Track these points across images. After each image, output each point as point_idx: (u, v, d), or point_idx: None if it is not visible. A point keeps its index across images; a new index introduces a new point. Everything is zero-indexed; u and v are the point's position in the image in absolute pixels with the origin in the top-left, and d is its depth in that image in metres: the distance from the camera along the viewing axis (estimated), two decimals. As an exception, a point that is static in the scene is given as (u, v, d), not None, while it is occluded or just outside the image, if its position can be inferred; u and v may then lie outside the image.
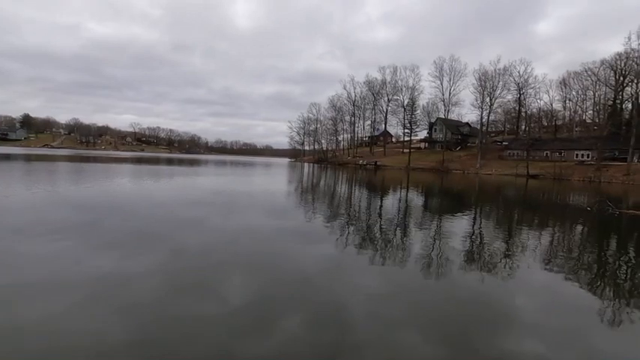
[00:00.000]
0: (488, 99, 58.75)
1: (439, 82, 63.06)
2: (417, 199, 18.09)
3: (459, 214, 12.58)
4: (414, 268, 5.79)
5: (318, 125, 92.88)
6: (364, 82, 76.91)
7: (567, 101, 62.21)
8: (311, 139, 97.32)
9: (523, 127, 63.93)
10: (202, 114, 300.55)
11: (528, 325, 3.98)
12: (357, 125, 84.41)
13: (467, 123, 70.30)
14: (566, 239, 9.21)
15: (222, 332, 3.42)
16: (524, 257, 6.79)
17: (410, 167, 57.00)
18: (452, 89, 62.84)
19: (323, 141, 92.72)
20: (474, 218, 11.86)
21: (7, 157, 38.55)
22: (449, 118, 66.35)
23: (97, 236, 6.82)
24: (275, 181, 26.41)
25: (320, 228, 8.88)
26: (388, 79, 71.98)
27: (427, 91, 73.44)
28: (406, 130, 71.17)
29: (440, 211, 13.73)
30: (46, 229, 7.02)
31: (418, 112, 69.24)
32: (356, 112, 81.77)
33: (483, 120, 61.22)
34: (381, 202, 15.53)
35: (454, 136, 67.14)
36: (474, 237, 8.71)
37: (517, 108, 61.89)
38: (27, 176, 19.44)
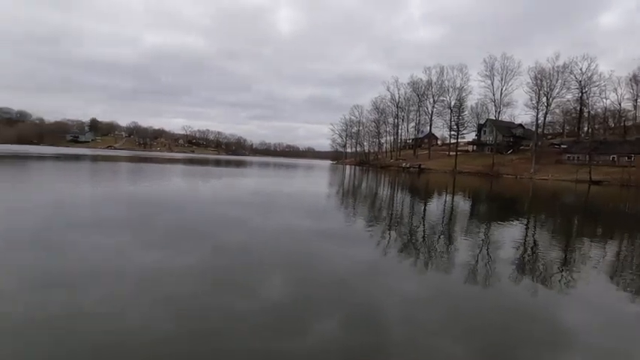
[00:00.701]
0: (544, 99, 54.46)
1: (489, 82, 59.61)
2: (463, 205, 17.29)
3: (509, 221, 11.81)
4: (457, 275, 5.52)
5: (361, 127, 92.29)
6: (408, 84, 75.08)
7: (639, 100, 55.95)
8: (353, 141, 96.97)
9: (585, 128, 58.54)
10: (247, 117, 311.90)
11: (580, 345, 3.62)
12: (400, 127, 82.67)
13: (520, 124, 65.82)
14: (637, 254, 8.27)
15: (257, 328, 3.50)
16: (584, 271, 6.20)
17: (456, 171, 54.59)
18: (504, 89, 59.18)
19: (365, 143, 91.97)
20: (527, 226, 11.07)
21: (77, 158, 42.80)
22: (500, 119, 62.60)
23: (149, 231, 7.35)
24: (316, 183, 26.65)
25: (359, 231, 8.80)
26: (434, 79, 69.59)
27: (476, 92, 69.92)
28: (453, 133, 68.28)
29: (488, 218, 13.00)
30: (106, 223, 7.70)
31: (466, 113, 66.13)
32: (399, 113, 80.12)
33: (539, 121, 56.86)
34: (424, 207, 15.05)
35: (505, 139, 63.14)
36: (526, 246, 8.12)
37: (578, 108, 56.78)
38: (93, 176, 21.46)
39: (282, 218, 9.91)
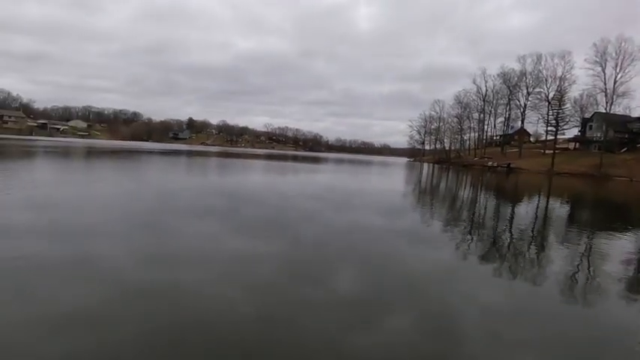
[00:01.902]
0: (677, 86, 44.75)
1: (599, 69, 50.67)
2: (560, 210, 15.28)
3: (619, 231, 10.10)
4: (549, 289, 4.95)
5: (441, 123, 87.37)
6: (498, 75, 68.36)
7: None
8: (432, 138, 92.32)
9: None
10: (323, 114, 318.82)
11: None
12: (486, 123, 76.02)
13: (638, 118, 55.28)
14: None
15: (327, 319, 3.62)
16: None
17: (553, 171, 48.20)
18: (618, 77, 49.69)
19: (446, 140, 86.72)
20: (645, 239, 9.34)
21: (176, 153, 48.73)
22: (612, 112, 53.26)
23: (233, 221, 8.07)
24: (391, 181, 26.11)
25: (437, 232, 8.43)
26: (529, 69, 62.21)
27: (581, 81, 59.72)
28: (550, 128, 60.16)
29: (592, 226, 11.29)
30: (199, 212, 8.70)
31: (567, 106, 57.90)
32: (486, 108, 73.61)
33: (668, 114, 46.97)
34: (513, 210, 13.70)
35: (618, 135, 53.53)
36: (641, 262, 6.88)
37: None
38: (188, 168, 24.25)
39: (356, 215, 9.98)
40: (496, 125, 75.81)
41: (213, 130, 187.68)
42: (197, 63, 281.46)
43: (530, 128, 73.37)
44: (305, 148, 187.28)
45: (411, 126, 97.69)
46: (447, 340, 3.39)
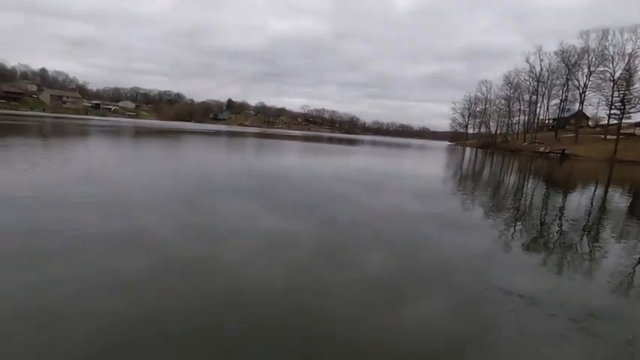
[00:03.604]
0: None
1: (680, 43, 44.89)
2: (621, 201, 13.83)
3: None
4: (601, 285, 4.44)
5: (488, 105, 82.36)
6: (556, 53, 62.53)
7: None
8: (477, 121, 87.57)
9: None
10: (359, 96, 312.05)
11: None
12: (538, 105, 70.41)
13: None
14: None
15: (356, 299, 3.56)
16: None
17: (615, 159, 43.92)
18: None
19: (492, 123, 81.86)
20: None
21: (216, 134, 50.24)
22: (692, 93, 46.98)
23: (268, 200, 8.11)
24: (430, 165, 25.14)
25: (477, 219, 7.92)
26: (592, 45, 56.32)
27: None
28: (614, 111, 54.33)
29: (659, 220, 10.07)
30: (238, 191, 8.87)
31: (636, 86, 51.84)
32: (540, 89, 67.99)
33: None
34: (565, 200, 12.61)
35: (698, 119, 47.41)
36: None
37: None
38: (229, 149, 24.88)
39: (392, 198, 9.67)
40: (549, 108, 70.07)
41: (251, 112, 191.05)
42: (234, 45, 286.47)
43: (589, 111, 67.16)
44: (341, 130, 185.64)
45: (454, 108, 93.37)
46: (475, 329, 3.19)
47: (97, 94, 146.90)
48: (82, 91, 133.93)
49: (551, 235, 7.06)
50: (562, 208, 10.48)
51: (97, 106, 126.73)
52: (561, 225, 8.07)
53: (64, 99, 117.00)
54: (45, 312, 2.92)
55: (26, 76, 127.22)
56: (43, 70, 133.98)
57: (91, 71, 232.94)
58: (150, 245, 4.60)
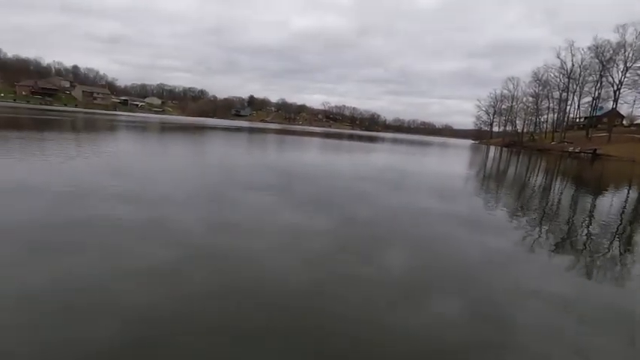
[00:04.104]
0: None
1: None
2: (656, 204, 13.13)
3: None
4: (632, 287, 4.27)
5: (514, 103, 79.66)
6: (589, 48, 59.66)
7: None
8: (502, 118, 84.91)
9: None
10: (380, 92, 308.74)
11: None
12: (569, 103, 67.46)
13: None
14: None
15: (374, 295, 3.60)
16: None
17: (650, 160, 41.54)
18: None
19: (518, 121, 79.15)
20: None
21: (238, 130, 51.01)
22: None
23: (288, 196, 8.21)
24: (452, 163, 24.65)
25: (501, 220, 7.74)
26: (629, 40, 53.34)
27: None
28: (652, 109, 51.52)
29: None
30: (259, 186, 9.01)
31: (678, 83, 48.77)
32: (571, 85, 65.08)
33: None
34: (595, 202, 12.10)
35: None
36: None
37: None
38: (250, 145, 25.25)
39: (412, 197, 9.58)
40: (580, 106, 66.98)
41: (272, 108, 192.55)
42: (256, 42, 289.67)
43: (623, 110, 63.77)
44: (361, 127, 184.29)
45: (478, 105, 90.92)
46: (493, 330, 3.17)
47: (125, 90, 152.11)
48: (111, 87, 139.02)
49: (580, 238, 6.82)
50: (592, 210, 10.07)
51: (125, 102, 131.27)
52: (592, 227, 7.77)
53: (95, 95, 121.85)
54: (75, 303, 3.06)
55: (60, 72, 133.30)
56: (75, 67, 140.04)
57: (120, 68, 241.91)
58: (174, 237, 4.77)
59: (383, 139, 61.60)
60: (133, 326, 2.76)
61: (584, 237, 6.97)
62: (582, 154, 49.34)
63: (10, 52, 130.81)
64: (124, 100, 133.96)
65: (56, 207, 5.64)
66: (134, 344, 2.58)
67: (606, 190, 15.92)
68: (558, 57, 65.33)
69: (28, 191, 6.46)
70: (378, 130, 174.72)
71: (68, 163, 9.78)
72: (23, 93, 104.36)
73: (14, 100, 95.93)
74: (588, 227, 7.84)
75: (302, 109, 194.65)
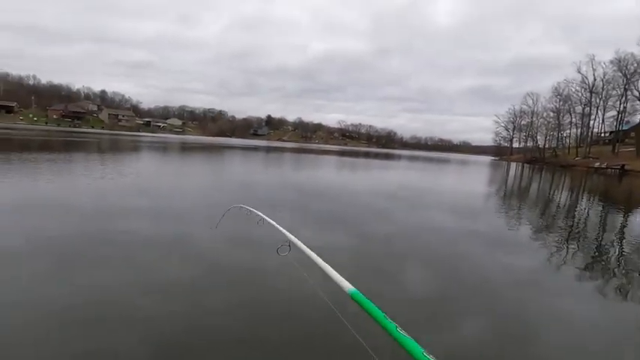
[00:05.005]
0: None
1: None
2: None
3: None
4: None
5: (534, 118, 78.14)
6: (611, 62, 58.37)
7: None
8: (522, 134, 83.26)
9: None
10: (398, 110, 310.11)
11: None
12: (592, 117, 65.66)
13: None
14: None
15: (392, 313, 3.45)
16: None
17: (684, 176, 39.55)
18: None
19: (539, 137, 77.30)
20: None
21: (255, 149, 51.96)
22: None
23: (305, 213, 8.25)
24: (471, 180, 24.19)
25: (524, 239, 7.49)
26: (654, 52, 51.90)
27: None
28: (681, 123, 49.51)
29: None
30: (273, 203, 9.10)
31: None
32: (593, 100, 63.52)
33: None
34: (626, 220, 11.56)
35: None
36: None
37: None
38: (267, 163, 25.66)
39: (429, 215, 9.42)
40: (605, 120, 65.01)
41: (290, 127, 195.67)
42: (276, 65, 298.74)
43: (651, 123, 61.30)
44: (378, 145, 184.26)
45: (497, 121, 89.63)
46: (519, 350, 3.06)
47: (149, 112, 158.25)
48: (136, 109, 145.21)
49: (611, 258, 6.50)
50: (623, 229, 9.62)
51: (147, 124, 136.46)
52: (622, 247, 7.41)
53: (120, 117, 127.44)
54: (96, 316, 3.15)
55: (89, 97, 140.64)
56: (103, 92, 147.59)
57: (144, 91, 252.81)
58: (196, 252, 4.90)
59: (399, 157, 61.27)
60: (156, 339, 2.81)
61: (615, 257, 6.64)
62: (609, 169, 47.50)
63: (45, 78, 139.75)
64: (147, 121, 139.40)
65: (84, 224, 5.87)
66: (163, 357, 2.62)
67: (637, 208, 15.19)
68: (579, 71, 64.21)
69: (58, 210, 6.76)
70: (394, 148, 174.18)
71: (94, 184, 10.19)
72: (54, 116, 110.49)
73: (46, 123, 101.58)
74: (619, 247, 7.48)
75: (318, 127, 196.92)
